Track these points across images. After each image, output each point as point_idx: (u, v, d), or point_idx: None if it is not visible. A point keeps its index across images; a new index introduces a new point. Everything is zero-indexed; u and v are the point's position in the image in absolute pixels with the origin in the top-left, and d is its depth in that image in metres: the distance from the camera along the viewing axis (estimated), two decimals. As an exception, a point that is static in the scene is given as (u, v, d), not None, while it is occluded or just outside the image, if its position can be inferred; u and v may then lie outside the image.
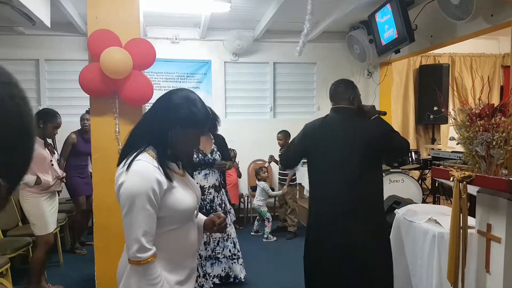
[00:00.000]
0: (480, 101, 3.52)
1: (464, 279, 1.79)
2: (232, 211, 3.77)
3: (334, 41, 6.48)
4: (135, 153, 1.36)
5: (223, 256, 3.62)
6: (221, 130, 3.87)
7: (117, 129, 2.98)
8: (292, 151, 2.55)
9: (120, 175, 1.35)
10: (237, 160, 5.67)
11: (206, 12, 5.09)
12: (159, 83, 5.98)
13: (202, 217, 1.63)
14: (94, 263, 2.97)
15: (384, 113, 2.63)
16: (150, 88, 2.99)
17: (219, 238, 3.62)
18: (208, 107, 3.65)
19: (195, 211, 1.52)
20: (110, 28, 2.84)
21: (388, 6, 4.76)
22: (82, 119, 4.54)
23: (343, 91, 2.45)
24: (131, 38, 2.91)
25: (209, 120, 1.49)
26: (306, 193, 6.01)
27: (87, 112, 4.37)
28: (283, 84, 6.58)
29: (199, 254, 3.55)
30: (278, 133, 5.31)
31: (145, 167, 1.33)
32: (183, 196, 1.41)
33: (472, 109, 3.46)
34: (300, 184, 5.84)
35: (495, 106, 3.41)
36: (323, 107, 6.51)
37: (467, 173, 1.73)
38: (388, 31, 5.00)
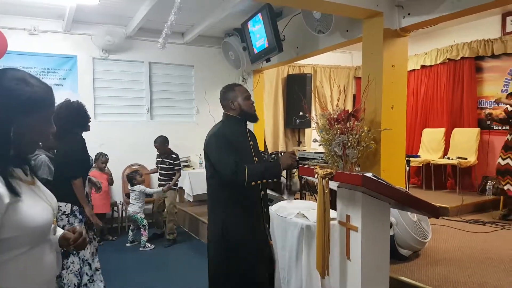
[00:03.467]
0: (337, 108, 3.98)
1: (329, 267, 1.98)
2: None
3: (211, 45, 6.59)
4: None
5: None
6: (90, 133, 3.49)
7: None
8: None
9: None
10: (108, 165, 5.28)
11: (72, 3, 4.65)
12: (13, 78, 5.22)
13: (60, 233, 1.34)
14: None
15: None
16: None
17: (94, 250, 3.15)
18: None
19: (52, 227, 1.24)
20: None
21: (259, 15, 5.03)
22: None
23: (221, 98, 2.53)
24: (-27, 23, 2.46)
25: (53, 93, 1.22)
26: (187, 196, 5.94)
27: None
28: (160, 85, 6.40)
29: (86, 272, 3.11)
30: (155, 142, 5.09)
31: None
32: (34, 210, 1.14)
33: (331, 115, 3.90)
34: (181, 187, 5.75)
35: (349, 112, 3.90)
36: (202, 111, 6.55)
37: (329, 170, 1.92)
38: (259, 40, 5.28)
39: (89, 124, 3.11)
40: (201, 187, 6.05)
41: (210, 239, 2.46)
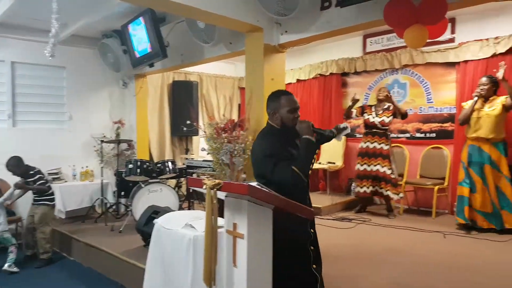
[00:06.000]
0: (224, 117, 4.10)
1: (215, 277, 2.00)
2: None
3: (86, 46, 6.12)
4: None
5: None
6: None
7: None
8: None
9: None
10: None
11: None
12: None
13: None
14: None
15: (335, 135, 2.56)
16: None
17: None
18: None
19: None
20: None
21: (141, 19, 4.87)
22: None
23: (267, 105, 2.36)
24: None
25: None
26: (59, 213, 5.33)
27: None
28: (26, 88, 5.69)
29: None
30: (7, 166, 4.44)
31: None
32: None
33: (218, 124, 3.99)
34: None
35: (235, 121, 4.04)
36: (76, 116, 6.01)
37: (216, 181, 1.95)
38: (142, 44, 5.11)
39: None
40: (75, 202, 5.52)
41: None
